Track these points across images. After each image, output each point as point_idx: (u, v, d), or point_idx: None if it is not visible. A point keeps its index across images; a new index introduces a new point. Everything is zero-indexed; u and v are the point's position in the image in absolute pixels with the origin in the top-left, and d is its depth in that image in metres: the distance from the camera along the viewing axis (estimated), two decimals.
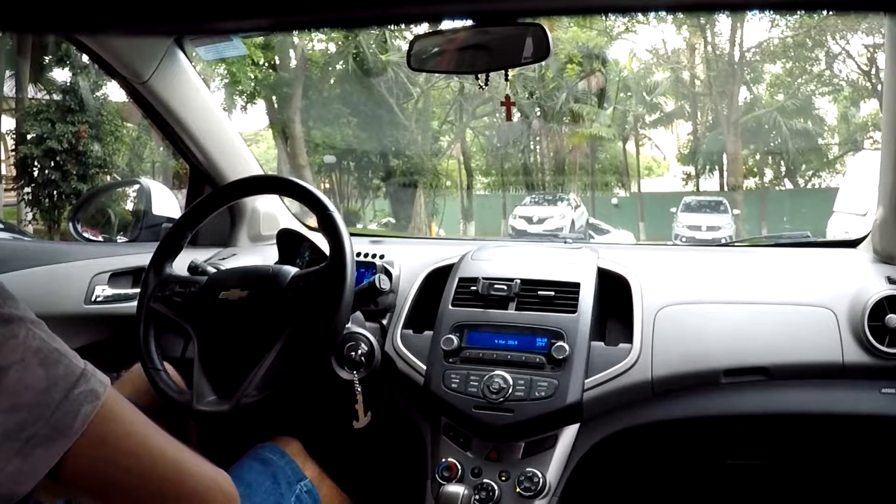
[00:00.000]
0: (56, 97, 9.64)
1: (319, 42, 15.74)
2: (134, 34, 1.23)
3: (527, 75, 15.53)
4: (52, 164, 9.28)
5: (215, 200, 1.27)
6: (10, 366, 0.52)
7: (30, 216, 9.86)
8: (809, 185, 18.71)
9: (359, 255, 1.46)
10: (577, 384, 1.18)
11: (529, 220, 15.16)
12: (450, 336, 1.25)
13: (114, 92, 9.73)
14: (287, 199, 1.74)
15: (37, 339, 0.55)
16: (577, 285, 1.28)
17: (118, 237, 1.74)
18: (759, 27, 21.47)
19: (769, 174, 19.45)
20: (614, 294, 1.32)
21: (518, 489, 1.14)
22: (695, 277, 1.35)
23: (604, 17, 14.87)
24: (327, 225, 1.13)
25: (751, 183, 18.90)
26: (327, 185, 17.43)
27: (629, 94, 18.31)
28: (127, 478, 0.59)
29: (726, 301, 1.28)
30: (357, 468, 1.36)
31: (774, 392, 1.21)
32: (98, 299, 1.47)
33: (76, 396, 0.55)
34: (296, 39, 14.84)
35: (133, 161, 11.39)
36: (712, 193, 17.67)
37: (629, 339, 1.24)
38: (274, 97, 15.61)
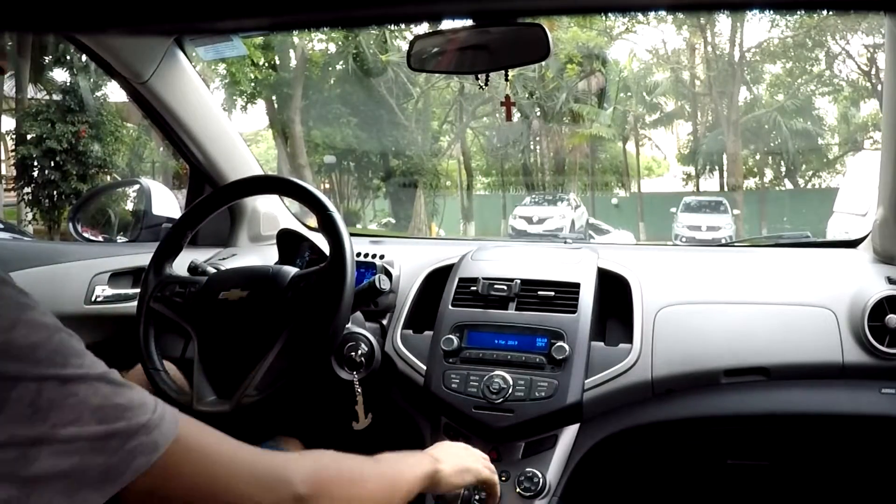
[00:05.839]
0: (56, 97, 9.63)
1: (319, 42, 15.76)
2: (134, 34, 1.23)
3: (527, 75, 15.53)
4: (52, 164, 9.27)
5: (215, 200, 1.27)
6: (67, 423, 0.53)
7: (30, 216, 9.85)
8: (809, 186, 18.72)
9: (359, 255, 1.46)
10: (577, 384, 1.18)
11: (529, 220, 15.16)
12: (450, 336, 1.25)
13: (114, 92, 9.73)
14: (287, 199, 1.74)
15: (98, 397, 0.55)
16: (577, 285, 1.28)
17: (118, 237, 1.74)
18: (759, 27, 21.48)
19: (769, 174, 19.46)
20: (614, 294, 1.32)
21: (518, 489, 1.14)
22: (695, 277, 1.35)
23: (604, 17, 14.87)
24: (327, 225, 1.13)
25: (751, 183, 18.91)
26: (327, 185, 17.44)
27: (629, 94, 18.31)
28: (187, 499, 0.61)
29: (726, 301, 1.28)
30: None
31: (774, 392, 1.21)
32: (98, 299, 1.47)
33: (131, 449, 0.56)
34: (296, 39, 14.84)
35: (133, 161, 11.38)
36: (712, 193, 17.67)
37: (629, 340, 1.24)
38: (274, 97, 15.61)
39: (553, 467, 1.17)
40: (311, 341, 1.07)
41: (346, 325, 1.16)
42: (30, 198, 9.58)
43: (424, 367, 1.26)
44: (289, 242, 1.48)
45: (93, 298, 1.47)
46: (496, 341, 1.25)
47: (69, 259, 1.52)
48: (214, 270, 1.30)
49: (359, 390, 1.20)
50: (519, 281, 1.30)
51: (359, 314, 1.31)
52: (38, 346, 0.54)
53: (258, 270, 1.23)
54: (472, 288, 1.31)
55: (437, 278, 1.41)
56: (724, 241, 8.00)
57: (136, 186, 1.78)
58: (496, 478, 1.02)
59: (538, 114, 17.45)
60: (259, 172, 1.63)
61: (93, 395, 0.55)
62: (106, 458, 0.55)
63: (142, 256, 1.36)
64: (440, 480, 0.88)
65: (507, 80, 1.18)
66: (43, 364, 0.54)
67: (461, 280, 1.34)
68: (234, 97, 14.75)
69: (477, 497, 1.14)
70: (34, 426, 0.52)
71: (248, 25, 0.27)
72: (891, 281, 1.22)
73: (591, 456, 1.21)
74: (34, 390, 0.53)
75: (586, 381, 1.19)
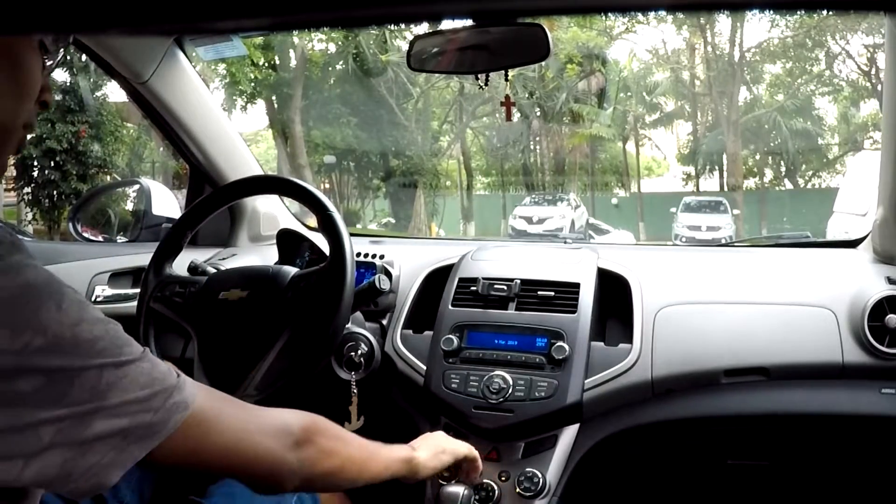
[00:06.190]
0: (56, 97, 9.61)
1: (319, 42, 15.75)
2: (134, 34, 1.23)
3: (527, 75, 15.53)
4: (52, 164, 9.26)
5: (215, 200, 1.27)
6: (119, 396, 0.62)
7: (30, 216, 9.85)
8: (809, 186, 18.72)
9: (359, 255, 1.46)
10: (577, 384, 1.18)
11: (529, 220, 15.16)
12: (450, 336, 1.25)
13: (114, 92, 9.73)
14: (287, 199, 1.74)
15: (143, 373, 0.64)
16: (577, 285, 1.28)
17: (118, 237, 1.74)
18: (759, 27, 21.51)
19: (769, 174, 19.46)
20: (614, 294, 1.32)
21: (518, 489, 1.14)
22: (695, 277, 1.35)
23: (604, 17, 14.87)
24: (327, 225, 1.13)
25: (751, 183, 18.91)
26: (327, 185, 17.44)
27: (629, 94, 18.31)
28: (208, 455, 0.69)
29: (726, 301, 1.28)
30: None
31: (774, 392, 1.21)
32: (98, 299, 1.47)
33: (169, 406, 0.65)
34: (296, 39, 14.84)
35: (133, 161, 11.38)
36: (712, 193, 17.67)
37: (629, 340, 1.24)
38: (274, 97, 15.61)
39: (553, 467, 1.17)
40: (311, 341, 1.07)
41: (346, 325, 1.16)
42: (30, 198, 9.57)
43: (424, 367, 1.26)
44: (289, 242, 1.48)
45: (93, 298, 1.47)
46: (496, 341, 1.25)
47: (69, 259, 1.52)
48: (214, 270, 1.30)
49: (354, 391, 1.20)
50: (519, 281, 1.30)
51: (359, 314, 1.31)
52: (99, 338, 0.61)
53: (258, 270, 1.23)
54: (472, 288, 1.31)
55: (437, 278, 1.41)
56: (724, 241, 8.00)
57: (136, 186, 1.78)
58: (475, 451, 1.04)
59: (538, 114, 17.45)
60: (259, 172, 1.63)
61: (139, 373, 0.63)
62: (151, 416, 0.63)
63: (142, 256, 1.36)
64: (418, 466, 0.94)
65: (507, 80, 1.17)
66: (102, 354, 0.61)
67: (461, 280, 1.34)
68: (234, 97, 14.74)
69: (476, 497, 1.14)
70: (92, 403, 0.60)
71: (248, 25, 0.27)
72: (891, 281, 1.22)
73: (591, 456, 1.21)
74: (95, 377, 0.60)
75: (586, 381, 1.19)
